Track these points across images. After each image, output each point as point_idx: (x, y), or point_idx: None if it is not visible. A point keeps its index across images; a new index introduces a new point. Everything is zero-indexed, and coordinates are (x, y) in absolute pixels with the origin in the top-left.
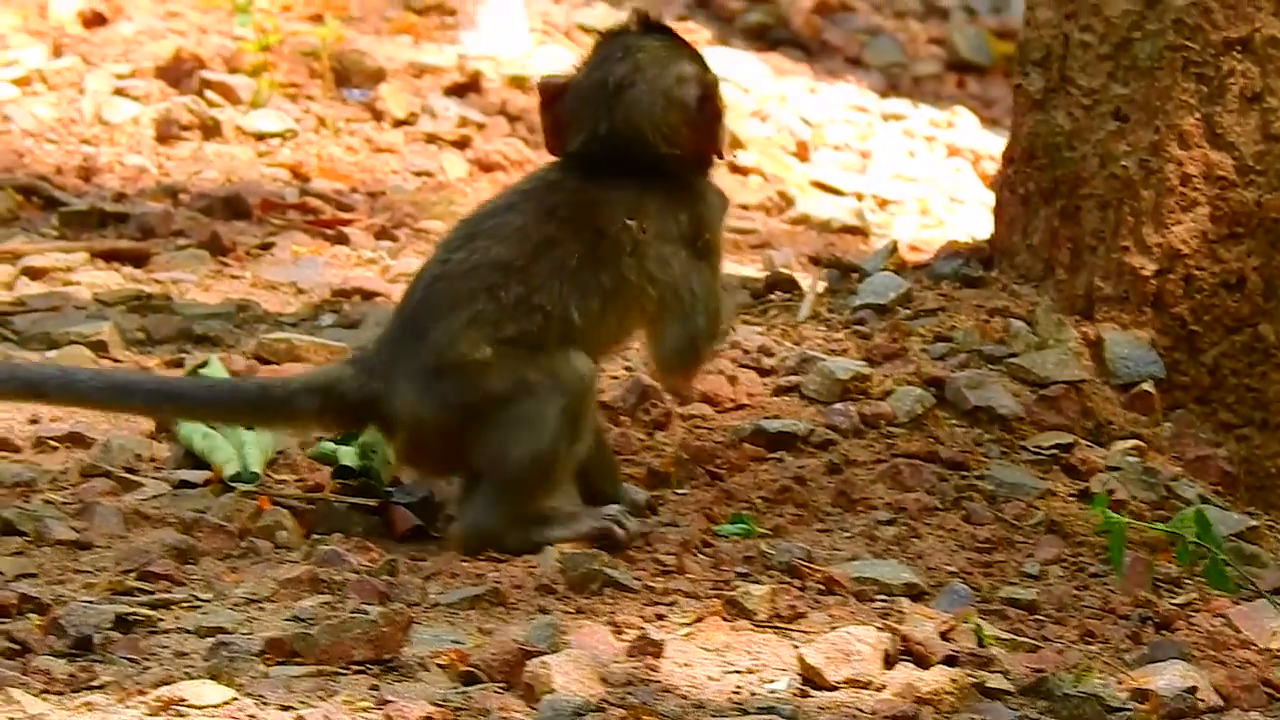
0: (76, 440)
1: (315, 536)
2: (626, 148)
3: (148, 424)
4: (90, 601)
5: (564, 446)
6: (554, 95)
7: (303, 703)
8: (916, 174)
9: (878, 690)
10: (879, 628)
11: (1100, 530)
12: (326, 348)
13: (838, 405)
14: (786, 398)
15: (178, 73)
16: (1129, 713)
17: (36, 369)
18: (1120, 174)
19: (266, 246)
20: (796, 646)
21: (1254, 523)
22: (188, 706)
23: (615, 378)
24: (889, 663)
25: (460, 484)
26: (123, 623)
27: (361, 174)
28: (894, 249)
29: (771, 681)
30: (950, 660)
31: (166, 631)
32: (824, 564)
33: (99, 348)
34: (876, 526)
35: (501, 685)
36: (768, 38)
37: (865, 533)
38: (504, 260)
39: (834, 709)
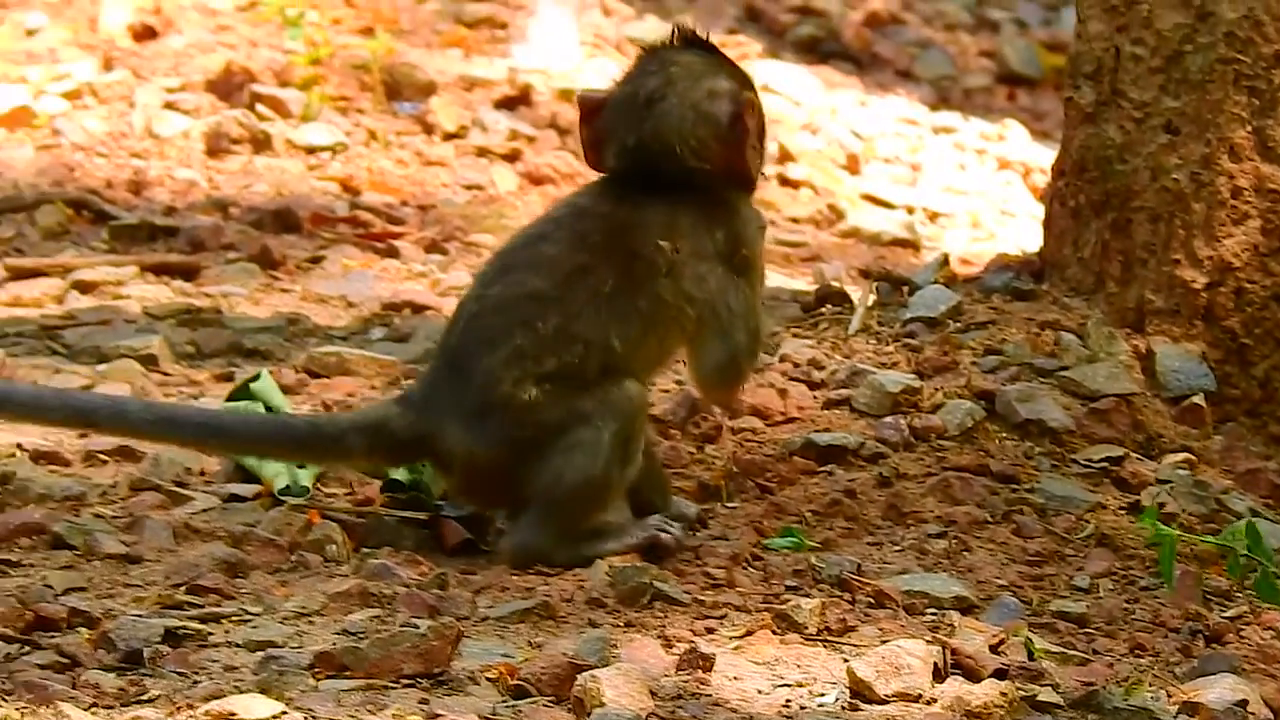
0: (126, 454)
1: (365, 550)
2: (655, 161)
3: None
4: (140, 615)
5: (616, 470)
6: (593, 110)
7: (352, 717)
8: (967, 187)
9: (928, 704)
10: (929, 641)
11: (1151, 543)
12: (377, 361)
13: (888, 418)
14: (837, 411)
15: (228, 86)
16: None
17: (88, 398)
18: (1171, 187)
19: (317, 260)
20: (846, 660)
21: None
22: None
23: (666, 391)
24: (939, 676)
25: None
26: (172, 636)
27: (412, 187)
28: (944, 262)
29: (821, 695)
30: (1000, 674)
31: (216, 645)
32: (874, 577)
33: (149, 361)
34: (927, 540)
35: (551, 699)
36: (818, 51)
37: (915, 546)
38: (539, 292)
39: None
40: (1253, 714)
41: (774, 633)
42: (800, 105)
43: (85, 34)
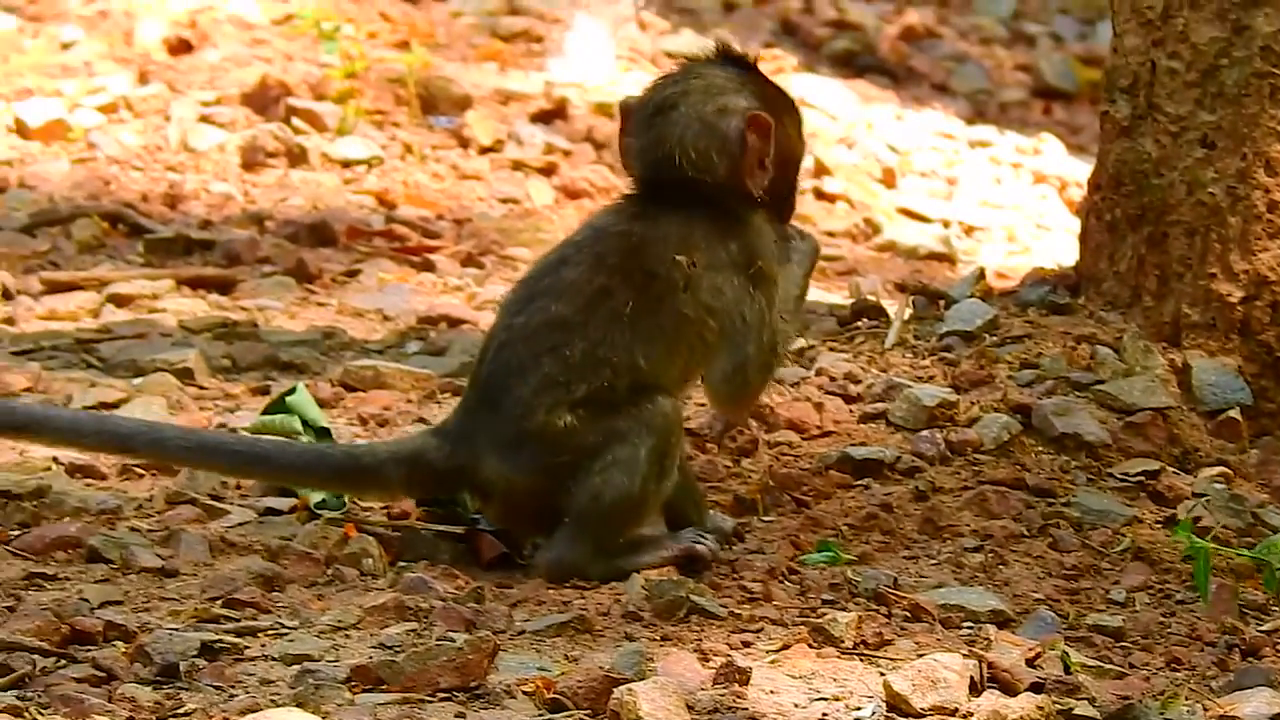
0: (162, 468)
1: (401, 564)
2: (658, 169)
3: None
4: (176, 629)
5: (653, 486)
6: (628, 116)
7: None
8: (1003, 201)
9: (964, 718)
10: (965, 655)
11: (1186, 557)
12: (412, 375)
13: (924, 432)
14: (873, 425)
15: (264, 100)
16: None
17: (127, 423)
18: (1207, 201)
19: (353, 273)
20: (883, 673)
21: None
22: None
23: (702, 405)
24: (975, 690)
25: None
26: (208, 650)
27: (448, 201)
28: (980, 276)
29: (858, 709)
30: (1036, 687)
31: (252, 659)
32: (910, 591)
33: (185, 375)
34: (963, 553)
35: (588, 713)
36: (854, 64)
37: (952, 560)
38: (563, 318)
39: None
40: None
41: (810, 646)
42: (836, 119)
43: (121, 48)
